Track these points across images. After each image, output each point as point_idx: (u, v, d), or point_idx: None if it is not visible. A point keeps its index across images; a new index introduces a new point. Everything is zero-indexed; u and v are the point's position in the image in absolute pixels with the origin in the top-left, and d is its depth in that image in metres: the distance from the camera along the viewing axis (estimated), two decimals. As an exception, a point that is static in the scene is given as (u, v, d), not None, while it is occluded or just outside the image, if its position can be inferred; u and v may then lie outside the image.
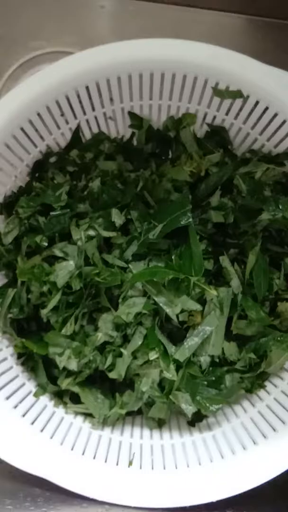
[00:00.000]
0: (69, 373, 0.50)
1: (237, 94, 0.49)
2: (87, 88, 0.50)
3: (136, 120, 0.56)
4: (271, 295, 0.52)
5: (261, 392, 0.52)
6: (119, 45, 0.47)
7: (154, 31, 0.71)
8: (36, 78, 0.47)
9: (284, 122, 0.50)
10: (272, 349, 0.50)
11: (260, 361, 0.51)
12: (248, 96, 0.49)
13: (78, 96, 0.50)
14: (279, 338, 0.51)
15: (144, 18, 0.72)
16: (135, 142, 0.58)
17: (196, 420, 0.52)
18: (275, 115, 0.50)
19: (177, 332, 0.50)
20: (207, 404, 0.48)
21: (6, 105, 0.46)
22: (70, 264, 0.49)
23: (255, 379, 0.52)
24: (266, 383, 0.52)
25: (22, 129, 0.50)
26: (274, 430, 0.47)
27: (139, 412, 0.53)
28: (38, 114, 0.50)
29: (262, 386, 0.52)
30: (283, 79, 0.47)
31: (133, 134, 0.58)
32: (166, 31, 0.72)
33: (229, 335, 0.50)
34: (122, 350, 0.49)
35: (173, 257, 0.49)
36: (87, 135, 0.57)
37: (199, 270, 0.47)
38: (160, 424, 0.53)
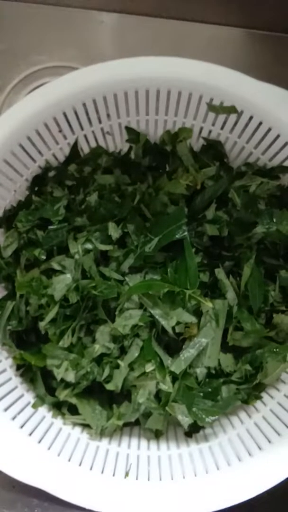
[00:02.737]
0: (66, 384, 0.51)
1: (231, 109, 0.50)
2: (84, 105, 0.51)
3: (133, 134, 0.57)
4: (267, 307, 0.52)
5: (258, 403, 0.52)
6: (113, 64, 0.48)
7: (153, 45, 0.73)
8: (33, 97, 0.48)
9: (278, 136, 0.51)
10: (268, 361, 0.51)
11: (256, 372, 0.51)
12: (242, 112, 0.50)
13: (76, 113, 0.52)
14: (275, 350, 0.51)
15: (143, 32, 0.73)
16: (133, 156, 0.59)
17: (193, 431, 0.53)
18: (269, 129, 0.50)
19: (174, 344, 0.51)
20: (203, 416, 0.49)
21: (3, 124, 0.47)
22: (67, 277, 0.50)
23: (251, 390, 0.52)
24: (263, 394, 0.53)
25: (21, 145, 0.51)
26: (269, 441, 0.47)
27: (137, 422, 0.53)
28: (36, 131, 0.51)
29: (259, 397, 0.52)
30: (275, 94, 0.48)
31: (131, 148, 0.59)
32: (165, 45, 0.73)
33: (225, 347, 0.51)
34: (119, 361, 0.50)
35: (168, 270, 0.49)
36: (85, 149, 0.58)
37: (194, 283, 0.48)
38: (157, 435, 0.53)
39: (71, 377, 0.50)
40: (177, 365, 0.48)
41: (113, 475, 0.47)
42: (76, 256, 0.51)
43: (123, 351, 0.51)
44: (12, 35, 0.72)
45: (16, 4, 0.71)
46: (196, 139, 0.57)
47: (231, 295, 0.51)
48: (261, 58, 0.74)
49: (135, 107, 0.53)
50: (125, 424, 0.53)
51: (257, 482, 0.44)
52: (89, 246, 0.51)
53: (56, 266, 0.51)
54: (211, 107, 0.51)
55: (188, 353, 0.49)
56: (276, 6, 0.71)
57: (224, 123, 0.53)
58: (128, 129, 0.57)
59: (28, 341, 0.54)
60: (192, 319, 0.48)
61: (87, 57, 0.71)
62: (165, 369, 0.49)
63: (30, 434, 0.48)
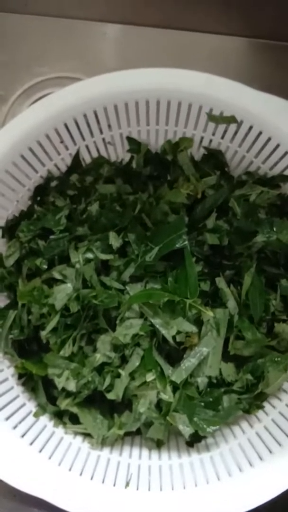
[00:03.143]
0: (68, 393, 0.51)
1: (231, 119, 0.51)
2: (85, 116, 0.52)
3: (134, 144, 0.57)
4: (268, 316, 0.52)
5: (260, 413, 0.52)
6: (113, 76, 0.49)
7: (155, 55, 0.73)
8: (34, 109, 0.48)
9: (278, 146, 0.51)
10: (269, 370, 0.50)
11: (258, 382, 0.51)
12: (242, 121, 0.51)
13: (77, 124, 0.52)
14: (276, 359, 0.51)
15: (145, 43, 0.74)
16: (134, 166, 0.60)
17: (194, 441, 0.53)
18: (269, 139, 0.51)
19: (175, 353, 0.51)
20: (204, 426, 0.48)
21: (5, 135, 0.48)
22: (68, 286, 0.50)
23: (253, 400, 0.52)
24: (265, 404, 0.52)
25: (22, 156, 0.52)
26: (270, 452, 0.47)
27: (139, 432, 0.53)
28: (38, 142, 0.51)
29: (260, 407, 0.52)
30: (274, 104, 0.48)
31: (132, 157, 0.60)
32: (167, 56, 0.74)
33: (226, 356, 0.51)
34: (120, 371, 0.50)
35: (168, 279, 0.49)
36: (87, 159, 0.58)
37: (194, 292, 0.48)
38: (158, 444, 0.53)
39: (72, 386, 0.50)
40: (177, 375, 0.48)
41: (114, 485, 0.47)
42: (77, 266, 0.51)
43: (124, 360, 0.51)
44: (14, 47, 0.73)
45: (18, 16, 0.72)
46: (197, 149, 0.57)
47: (232, 304, 0.51)
48: (263, 67, 0.74)
49: (136, 117, 0.54)
50: (127, 434, 0.52)
51: (257, 493, 0.44)
52: (90, 255, 0.51)
53: (57, 276, 0.51)
54: (211, 117, 0.52)
55: (189, 362, 0.49)
56: (278, 15, 0.71)
57: (225, 132, 0.54)
58: (129, 139, 0.57)
59: (30, 350, 0.55)
60: (193, 328, 0.48)
61: (89, 68, 0.72)
62: (165, 379, 0.49)
63: (31, 444, 0.48)
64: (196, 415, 0.49)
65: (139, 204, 0.54)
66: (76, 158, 0.57)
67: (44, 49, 0.73)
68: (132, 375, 0.50)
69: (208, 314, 0.49)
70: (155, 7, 0.72)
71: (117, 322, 0.50)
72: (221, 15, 0.72)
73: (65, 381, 0.50)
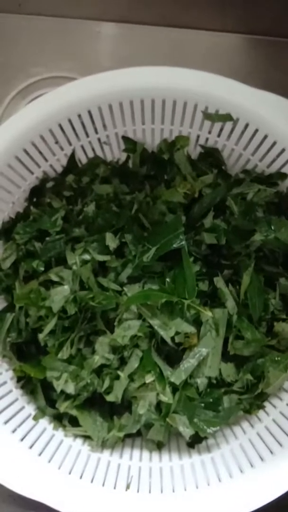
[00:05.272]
0: (67, 396, 0.51)
1: (227, 117, 0.50)
2: (79, 116, 0.51)
3: (130, 144, 0.57)
4: (268, 315, 0.52)
5: (260, 413, 0.51)
6: (107, 75, 0.48)
7: (150, 54, 0.73)
8: (28, 111, 0.48)
9: (274, 143, 0.50)
10: (269, 370, 0.50)
11: (258, 381, 0.51)
12: (237, 119, 0.50)
13: (71, 124, 0.52)
14: (276, 359, 0.50)
15: (140, 41, 0.73)
16: (130, 165, 0.59)
17: (195, 442, 0.52)
18: (265, 136, 0.50)
19: (174, 354, 0.50)
20: (205, 427, 0.48)
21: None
22: (65, 288, 0.49)
23: (253, 400, 0.51)
24: (266, 404, 0.52)
25: (17, 158, 0.51)
26: (271, 452, 0.46)
27: (139, 433, 0.53)
28: (33, 143, 0.51)
29: (261, 407, 0.52)
30: (269, 101, 0.47)
31: (128, 157, 0.59)
32: (163, 53, 0.73)
33: (226, 356, 0.50)
34: (119, 372, 0.50)
35: (166, 279, 0.49)
36: (83, 160, 0.58)
37: (192, 292, 0.47)
38: (159, 446, 0.53)
39: (71, 388, 0.50)
40: (177, 376, 0.48)
41: (114, 487, 0.47)
42: (74, 267, 0.50)
43: (123, 362, 0.50)
44: (9, 47, 0.72)
45: (12, 16, 0.72)
46: (193, 147, 0.57)
47: (230, 303, 0.50)
48: (260, 63, 0.74)
49: (131, 116, 0.53)
50: (127, 436, 0.52)
51: (258, 495, 0.43)
52: (86, 256, 0.51)
53: (54, 278, 0.50)
54: (206, 116, 0.51)
55: (188, 363, 0.49)
56: (274, 11, 0.70)
57: (221, 130, 0.53)
58: (125, 139, 0.57)
59: (28, 353, 0.54)
60: (191, 329, 0.47)
61: (84, 67, 0.72)
62: (165, 380, 0.48)
63: (31, 447, 0.48)
64: (196, 416, 0.49)
65: (136, 204, 0.54)
66: (72, 158, 0.56)
67: (39, 49, 0.72)
68: (131, 377, 0.49)
69: (207, 314, 0.48)
70: (150, 5, 0.71)
71: (115, 323, 0.50)
72: (217, 12, 0.72)
73: (64, 384, 0.50)
